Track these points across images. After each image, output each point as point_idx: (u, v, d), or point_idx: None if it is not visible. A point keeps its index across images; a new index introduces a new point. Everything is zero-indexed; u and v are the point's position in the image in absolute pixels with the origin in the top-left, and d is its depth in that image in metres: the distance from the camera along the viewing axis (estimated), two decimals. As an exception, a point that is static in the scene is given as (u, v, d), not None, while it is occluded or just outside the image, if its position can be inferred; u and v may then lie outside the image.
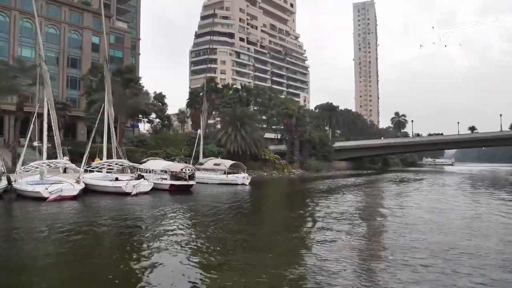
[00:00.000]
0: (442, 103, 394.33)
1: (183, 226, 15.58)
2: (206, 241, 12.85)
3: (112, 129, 30.36)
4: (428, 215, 18.43)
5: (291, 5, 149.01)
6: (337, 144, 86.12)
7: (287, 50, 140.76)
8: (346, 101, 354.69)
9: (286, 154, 72.48)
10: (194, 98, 76.30)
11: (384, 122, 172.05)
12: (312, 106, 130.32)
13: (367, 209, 20.56)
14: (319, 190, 36.07)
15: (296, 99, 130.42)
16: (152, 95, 74.04)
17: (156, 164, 31.23)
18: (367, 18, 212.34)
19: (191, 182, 29.05)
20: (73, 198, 22.02)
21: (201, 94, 78.93)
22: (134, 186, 24.63)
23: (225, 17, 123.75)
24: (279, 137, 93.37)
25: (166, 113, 76.75)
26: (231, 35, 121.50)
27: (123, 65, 71.22)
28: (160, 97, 76.54)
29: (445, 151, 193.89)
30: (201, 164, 40.25)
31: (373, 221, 17.23)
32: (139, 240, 13.18)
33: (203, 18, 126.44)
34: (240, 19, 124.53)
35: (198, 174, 38.52)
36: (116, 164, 29.03)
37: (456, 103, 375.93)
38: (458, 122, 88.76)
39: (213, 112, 78.05)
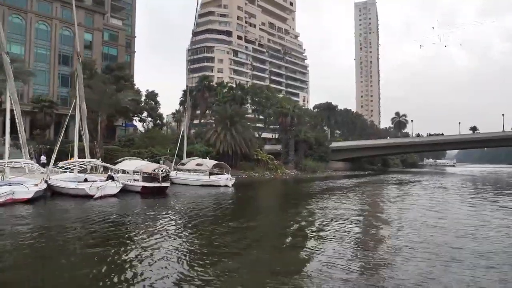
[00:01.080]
0: (443, 103, 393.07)
1: (127, 236, 13.49)
2: (156, 257, 10.90)
3: (85, 127, 28.48)
4: (405, 232, 15.13)
5: (291, 4, 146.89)
6: (334, 144, 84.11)
7: (286, 49, 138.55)
8: (348, 101, 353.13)
9: (281, 154, 70.61)
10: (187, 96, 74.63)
11: (385, 123, 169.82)
12: (312, 106, 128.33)
13: (340, 220, 17.91)
14: (302, 193, 34.01)
15: (296, 98, 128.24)
16: (144, 93, 72.56)
17: (130, 164, 29.19)
18: (368, 18, 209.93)
19: (164, 184, 27.00)
20: (28, 201, 20.12)
21: (194, 93, 77.46)
22: (98, 188, 22.68)
23: (223, 15, 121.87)
24: (277, 137, 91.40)
25: (159, 111, 74.93)
26: (228, 33, 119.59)
27: (118, 63, 69.88)
28: (152, 96, 74.74)
29: (447, 152, 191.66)
30: (183, 164, 38.22)
31: (339, 237, 14.28)
32: (63, 253, 11.28)
33: (200, 16, 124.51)
34: (238, 17, 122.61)
35: (180, 175, 36.79)
36: (83, 164, 27.08)
37: (457, 103, 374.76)
38: (459, 122, 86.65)
39: (207, 111, 76.21)
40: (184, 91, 75.95)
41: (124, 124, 70.47)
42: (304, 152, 72.52)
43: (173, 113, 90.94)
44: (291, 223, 17.10)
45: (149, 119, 74.06)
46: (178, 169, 37.55)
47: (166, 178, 27.69)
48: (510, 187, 45.36)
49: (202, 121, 78.53)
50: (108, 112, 41.26)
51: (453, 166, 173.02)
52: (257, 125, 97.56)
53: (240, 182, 41.23)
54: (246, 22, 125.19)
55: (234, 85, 77.29)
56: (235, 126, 51.31)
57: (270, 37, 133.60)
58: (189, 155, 44.66)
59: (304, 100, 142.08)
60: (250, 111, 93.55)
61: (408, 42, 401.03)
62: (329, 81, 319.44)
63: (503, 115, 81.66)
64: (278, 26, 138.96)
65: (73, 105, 28.32)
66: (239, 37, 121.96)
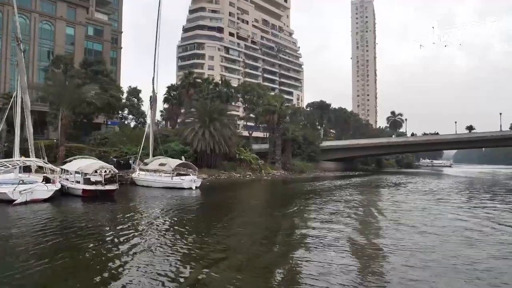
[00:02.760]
0: (443, 103, 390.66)
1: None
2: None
3: (29, 122, 25.49)
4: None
5: (285, 0, 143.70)
6: (325, 144, 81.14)
7: (280, 46, 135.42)
8: (348, 101, 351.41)
9: (268, 153, 67.63)
10: (171, 93, 71.61)
11: (382, 122, 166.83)
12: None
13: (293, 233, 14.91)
14: (274, 197, 31.22)
15: (289, 97, 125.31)
16: (125, 89, 69.41)
17: (76, 164, 25.95)
18: (365, 16, 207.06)
19: (108, 187, 23.82)
20: None
21: (179, 89, 74.28)
22: (21, 192, 19.59)
23: (214, 11, 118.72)
24: (268, 135, 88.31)
25: (141, 109, 71.72)
26: (220, 30, 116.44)
27: (97, 57, 66.76)
28: (134, 92, 71.68)
29: (444, 152, 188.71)
30: (146, 164, 35.08)
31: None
32: None
33: (191, 11, 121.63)
34: (230, 13, 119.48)
35: (142, 176, 33.84)
36: (17, 163, 23.99)
37: (456, 103, 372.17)
38: (455, 122, 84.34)
39: (192, 109, 73.09)
40: (169, 87, 72.82)
41: (107, 122, 67.37)
42: (292, 152, 69.64)
43: (161, 111, 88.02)
44: (241, 244, 13.99)
45: (131, 116, 71.05)
46: (142, 170, 34.55)
47: (113, 180, 24.50)
48: (507, 191, 40.51)
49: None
50: (71, 107, 38.12)
51: (450, 166, 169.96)
52: (248, 123, 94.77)
53: (214, 183, 38.19)
54: (238, 18, 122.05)
55: (220, 82, 74.01)
56: (213, 123, 48.24)
57: (263, 34, 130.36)
58: (164, 154, 41.67)
59: (298, 99, 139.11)
60: (242, 109, 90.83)
61: (407, 42, 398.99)
62: (329, 81, 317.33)
63: (500, 113, 78.95)
64: (272, 23, 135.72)
65: (12, 98, 25.32)
66: (231, 34, 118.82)
